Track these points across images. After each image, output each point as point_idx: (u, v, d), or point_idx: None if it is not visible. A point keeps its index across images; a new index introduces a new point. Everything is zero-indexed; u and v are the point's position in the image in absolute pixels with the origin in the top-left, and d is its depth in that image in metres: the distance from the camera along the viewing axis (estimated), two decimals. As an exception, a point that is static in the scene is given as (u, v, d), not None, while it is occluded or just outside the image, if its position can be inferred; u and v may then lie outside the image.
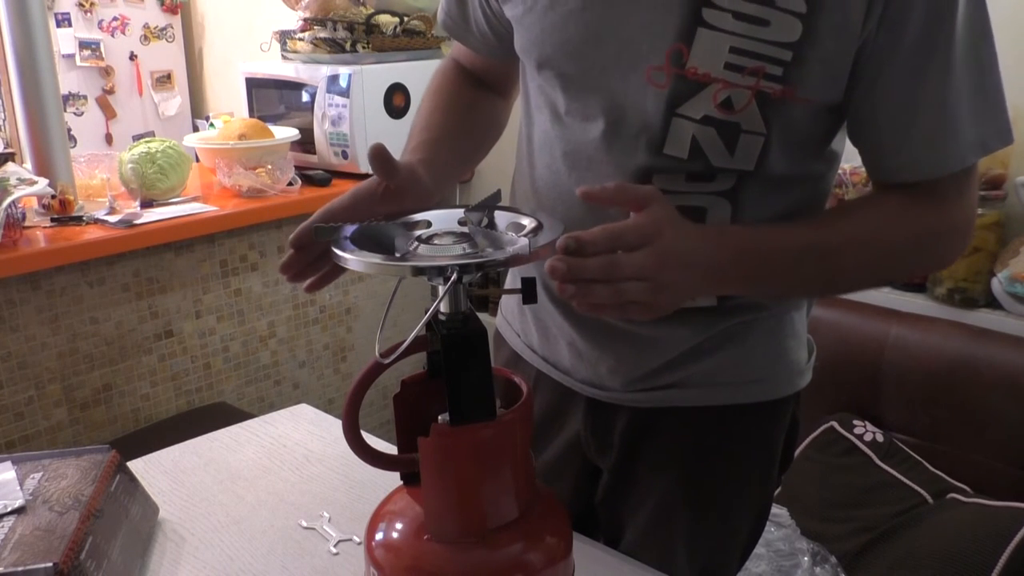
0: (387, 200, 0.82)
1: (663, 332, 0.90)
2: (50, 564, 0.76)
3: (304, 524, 0.99)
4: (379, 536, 0.74)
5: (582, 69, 0.84)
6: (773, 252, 0.79)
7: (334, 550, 0.94)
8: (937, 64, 0.75)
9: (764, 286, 0.83)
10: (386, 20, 2.46)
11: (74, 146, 3.18)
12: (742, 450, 0.96)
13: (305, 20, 2.50)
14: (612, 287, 0.70)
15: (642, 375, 0.93)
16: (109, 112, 3.49)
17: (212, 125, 2.66)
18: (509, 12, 0.90)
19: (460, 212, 0.77)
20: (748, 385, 0.93)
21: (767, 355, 0.93)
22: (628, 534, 1.01)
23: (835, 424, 1.78)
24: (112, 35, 3.44)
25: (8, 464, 0.93)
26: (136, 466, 1.08)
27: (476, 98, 1.05)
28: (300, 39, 2.50)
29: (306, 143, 2.46)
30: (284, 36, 2.58)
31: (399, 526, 0.74)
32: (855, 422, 1.77)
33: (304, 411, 1.28)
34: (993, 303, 1.72)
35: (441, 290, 0.68)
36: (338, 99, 2.34)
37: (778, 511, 1.71)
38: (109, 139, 3.51)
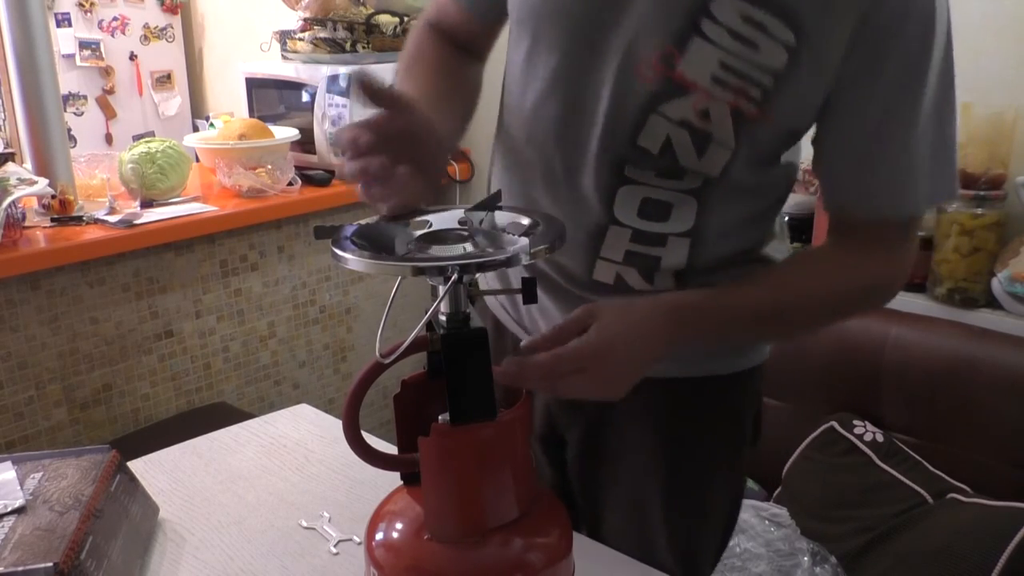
0: (401, 140, 0.76)
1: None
2: (50, 564, 0.76)
3: (304, 524, 0.99)
4: (379, 536, 0.74)
5: (573, 49, 0.86)
6: (724, 317, 0.85)
7: (334, 550, 0.94)
8: (907, 109, 0.80)
9: (713, 342, 0.90)
10: (386, 20, 2.46)
11: (74, 146, 3.18)
12: (709, 420, 0.99)
13: (305, 20, 2.50)
14: (556, 384, 0.76)
15: None
16: (109, 112, 3.49)
17: (212, 125, 2.66)
18: None
19: (460, 212, 0.77)
20: (711, 358, 0.97)
21: None
22: (606, 518, 1.03)
23: (835, 424, 1.78)
24: (112, 35, 3.44)
25: (8, 464, 0.93)
26: (136, 466, 1.08)
27: (459, 63, 1.03)
28: (300, 39, 2.50)
29: (306, 143, 2.46)
30: (284, 36, 2.58)
31: (399, 526, 0.74)
32: (855, 422, 1.77)
33: (304, 411, 1.28)
34: (993, 303, 1.72)
35: (441, 290, 0.68)
36: (338, 99, 2.34)
37: (778, 511, 1.71)
38: (109, 139, 3.51)
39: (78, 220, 1.99)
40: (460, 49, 1.05)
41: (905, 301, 1.81)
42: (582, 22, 0.85)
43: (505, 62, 0.98)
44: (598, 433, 1.00)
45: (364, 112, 0.75)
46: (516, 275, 1.03)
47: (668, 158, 0.84)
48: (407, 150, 0.75)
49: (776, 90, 0.79)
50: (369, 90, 0.73)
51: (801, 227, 1.97)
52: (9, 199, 1.79)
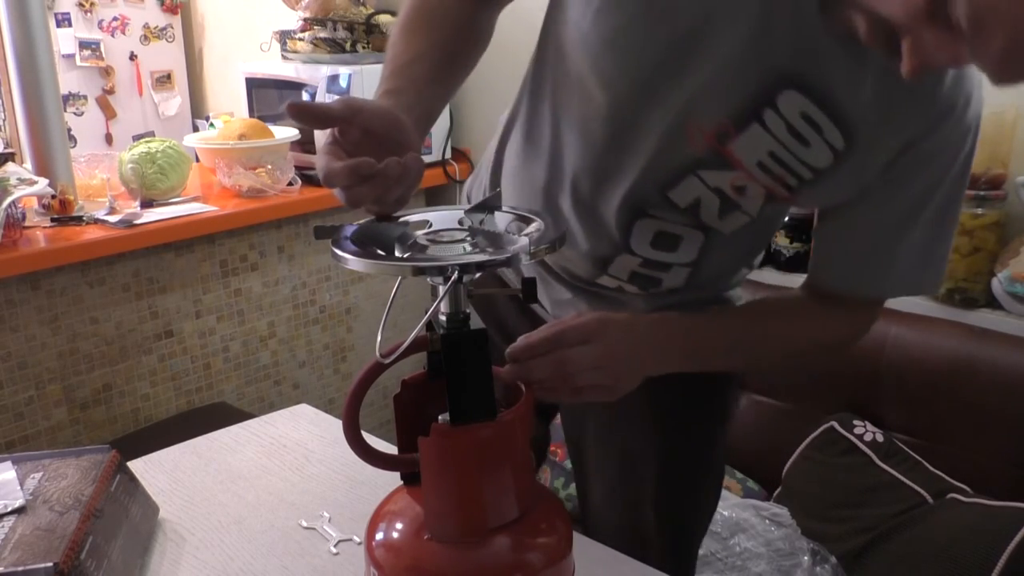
0: (362, 144, 0.73)
1: (631, 299, 1.00)
2: (50, 564, 0.76)
3: (304, 524, 0.99)
4: (379, 536, 0.74)
5: (635, 90, 0.84)
6: (710, 339, 0.90)
7: (334, 550, 0.94)
8: (912, 214, 0.84)
9: (695, 364, 0.93)
10: (386, 20, 2.46)
11: (74, 146, 3.17)
12: (695, 396, 1.03)
13: (305, 20, 2.50)
14: (566, 380, 0.78)
15: None
16: (109, 112, 3.49)
17: (212, 125, 2.66)
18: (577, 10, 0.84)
19: (460, 212, 0.77)
20: None
21: None
22: (594, 493, 1.07)
23: (835, 424, 1.78)
24: (112, 35, 3.43)
25: (8, 464, 0.93)
26: (136, 466, 1.08)
27: (466, 14, 0.93)
28: (300, 39, 2.50)
29: (306, 143, 2.46)
30: (284, 36, 2.58)
31: (399, 526, 0.74)
32: (855, 422, 1.77)
33: (304, 411, 1.28)
34: (993, 303, 1.72)
35: (441, 290, 0.68)
36: (338, 99, 2.34)
37: (778, 511, 1.71)
38: (109, 139, 3.50)
39: (78, 220, 1.99)
40: (478, 8, 0.95)
41: (905, 301, 1.81)
42: (647, 69, 0.82)
43: (546, 61, 0.93)
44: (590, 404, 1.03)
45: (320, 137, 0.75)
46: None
47: (690, 213, 0.89)
48: (376, 148, 0.72)
49: (811, 182, 0.82)
50: (305, 113, 0.72)
51: (801, 227, 1.97)
52: (9, 199, 1.79)
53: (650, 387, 0.98)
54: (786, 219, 1.92)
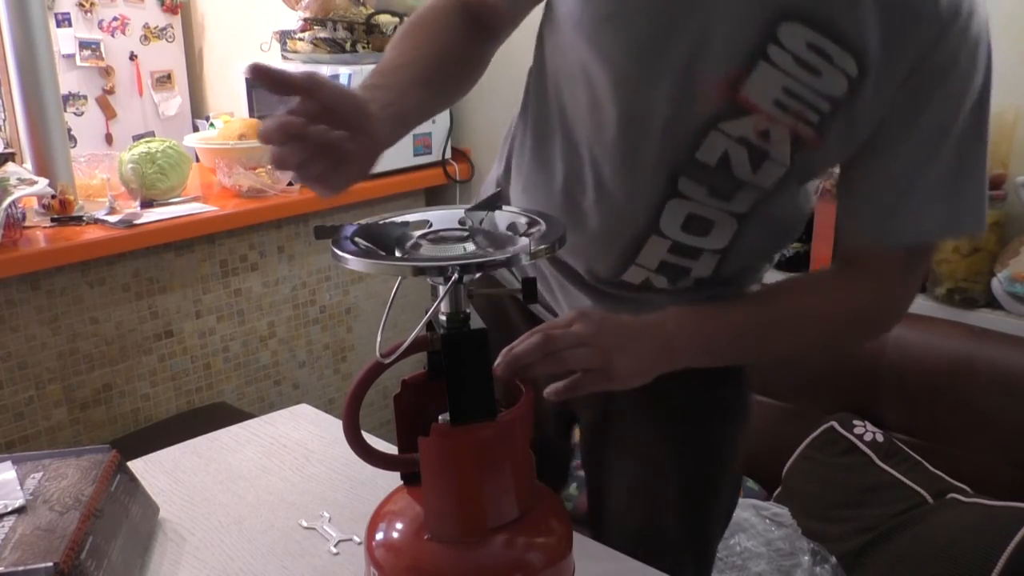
0: (319, 119, 0.70)
1: (654, 297, 0.96)
2: (50, 564, 0.76)
3: (304, 524, 0.99)
4: (379, 536, 0.74)
5: (639, 60, 0.85)
6: (719, 327, 0.87)
7: (334, 550, 0.94)
8: (932, 147, 0.82)
9: (709, 359, 0.91)
10: (386, 20, 2.46)
11: (74, 146, 3.17)
12: (717, 399, 1.02)
13: (305, 20, 2.50)
14: (553, 358, 0.77)
15: None
16: (109, 112, 3.49)
17: (212, 125, 2.66)
18: None
19: (460, 212, 0.77)
20: None
21: None
22: (613, 496, 1.05)
23: (835, 424, 1.78)
24: (112, 35, 3.43)
25: (8, 464, 0.93)
26: (136, 466, 1.07)
27: (467, 37, 0.97)
28: (300, 39, 2.50)
29: (306, 143, 2.46)
30: (284, 36, 2.58)
31: (399, 526, 0.74)
32: (855, 422, 1.77)
33: (304, 411, 1.28)
34: (993, 303, 1.72)
35: (441, 290, 0.68)
36: (338, 99, 2.34)
37: (778, 511, 1.71)
38: (109, 139, 3.50)
39: (78, 220, 1.99)
40: (476, 24, 0.98)
41: (905, 301, 1.81)
42: (643, 35, 0.84)
43: (548, 53, 0.95)
44: (610, 409, 1.02)
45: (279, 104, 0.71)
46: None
47: (724, 171, 0.86)
48: (335, 122, 0.70)
49: (832, 116, 0.81)
50: (266, 77, 0.69)
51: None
52: (9, 199, 1.79)
53: (666, 391, 0.97)
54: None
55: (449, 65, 0.93)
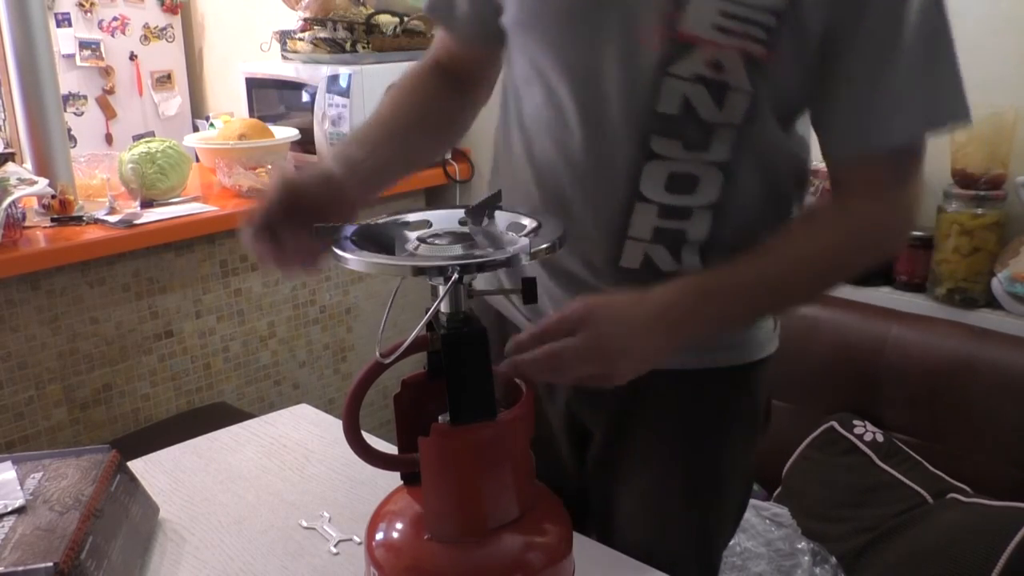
0: (300, 211, 0.84)
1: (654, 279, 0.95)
2: (50, 564, 0.76)
3: (304, 524, 0.99)
4: (379, 536, 0.74)
5: (576, 32, 0.87)
6: (725, 293, 0.84)
7: (334, 550, 0.94)
8: (889, 40, 0.80)
9: (722, 325, 0.90)
10: (386, 20, 2.46)
11: (74, 146, 3.17)
12: (730, 409, 1.01)
13: (305, 20, 2.50)
14: (560, 375, 0.77)
15: None
16: (109, 112, 3.49)
17: (212, 125, 2.66)
18: None
19: (460, 212, 0.77)
20: (725, 350, 0.98)
21: None
22: (620, 509, 1.03)
23: (835, 424, 1.78)
24: (112, 35, 3.44)
25: (8, 464, 0.93)
26: (136, 466, 1.07)
27: (441, 93, 1.04)
28: (300, 39, 2.50)
29: (306, 143, 2.46)
30: (284, 36, 2.58)
31: (399, 526, 0.74)
32: (855, 422, 1.77)
33: (304, 411, 1.28)
34: (993, 303, 1.72)
35: (441, 290, 0.68)
36: (338, 99, 2.34)
37: (778, 511, 1.71)
38: (109, 139, 3.51)
39: (78, 220, 1.99)
40: (452, 80, 1.06)
41: (905, 301, 1.81)
42: (576, 8, 0.86)
43: (505, 67, 0.99)
44: (622, 424, 1.01)
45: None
46: (515, 275, 1.03)
47: (690, 117, 0.85)
48: (308, 209, 0.83)
49: (779, 28, 0.80)
50: (254, 219, 0.82)
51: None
52: (9, 199, 1.79)
53: (675, 396, 0.98)
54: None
55: (426, 119, 1.01)
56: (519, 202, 0.96)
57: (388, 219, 0.77)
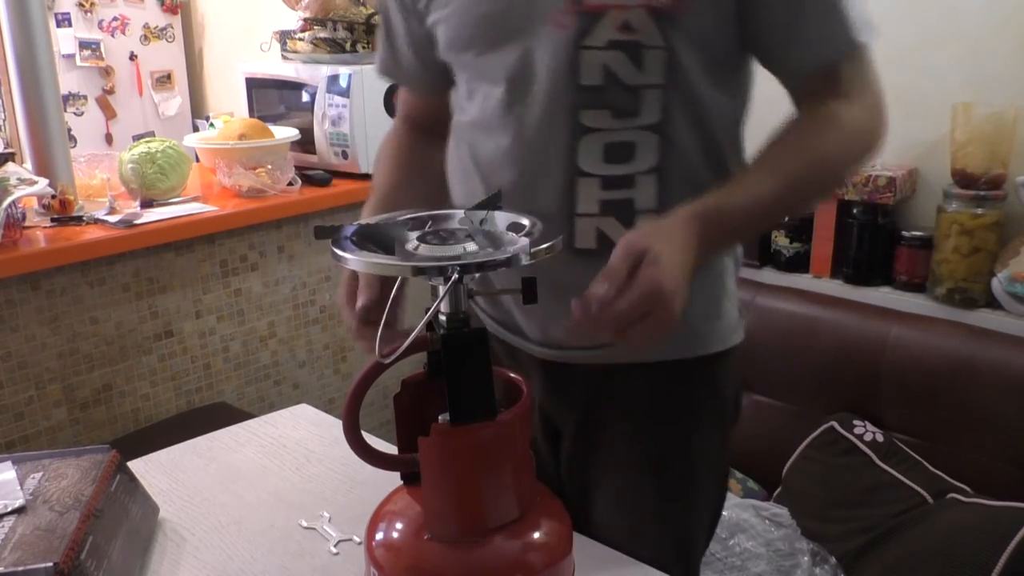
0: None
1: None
2: (50, 564, 0.76)
3: (304, 524, 0.99)
4: (379, 536, 0.74)
5: (500, 36, 0.91)
6: (744, 209, 0.85)
7: (334, 550, 0.94)
8: None
9: (743, 236, 0.95)
10: (386, 20, 2.46)
11: (74, 146, 3.18)
12: (697, 400, 1.01)
13: (305, 20, 2.50)
14: (652, 316, 0.73)
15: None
16: (109, 112, 3.49)
17: (212, 125, 2.66)
18: (432, 18, 0.97)
19: (460, 212, 0.77)
20: (691, 339, 0.98)
21: (706, 313, 0.99)
22: (597, 507, 1.03)
23: (835, 424, 1.78)
24: (112, 35, 3.44)
25: (8, 464, 0.93)
26: (136, 466, 1.08)
27: (425, 153, 1.09)
28: (300, 39, 2.50)
29: (306, 143, 2.46)
30: (284, 36, 2.58)
31: (399, 526, 0.74)
32: (855, 422, 1.77)
33: (304, 411, 1.28)
34: (993, 303, 1.73)
35: (441, 290, 0.68)
36: (338, 99, 2.34)
37: (778, 511, 1.71)
38: (109, 139, 3.51)
39: (78, 220, 1.99)
40: (426, 135, 1.11)
41: (905, 301, 1.81)
42: (493, 15, 0.91)
43: (453, 94, 1.04)
44: (591, 420, 1.02)
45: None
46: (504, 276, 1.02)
47: (614, 84, 0.88)
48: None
49: None
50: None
51: (801, 227, 1.97)
52: (9, 199, 1.79)
53: (645, 393, 0.98)
54: (785, 219, 1.92)
55: (425, 182, 1.06)
56: (468, 200, 0.99)
57: (388, 219, 0.77)
